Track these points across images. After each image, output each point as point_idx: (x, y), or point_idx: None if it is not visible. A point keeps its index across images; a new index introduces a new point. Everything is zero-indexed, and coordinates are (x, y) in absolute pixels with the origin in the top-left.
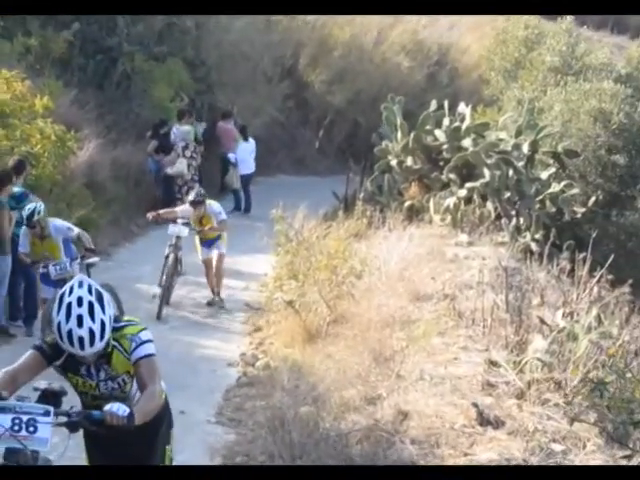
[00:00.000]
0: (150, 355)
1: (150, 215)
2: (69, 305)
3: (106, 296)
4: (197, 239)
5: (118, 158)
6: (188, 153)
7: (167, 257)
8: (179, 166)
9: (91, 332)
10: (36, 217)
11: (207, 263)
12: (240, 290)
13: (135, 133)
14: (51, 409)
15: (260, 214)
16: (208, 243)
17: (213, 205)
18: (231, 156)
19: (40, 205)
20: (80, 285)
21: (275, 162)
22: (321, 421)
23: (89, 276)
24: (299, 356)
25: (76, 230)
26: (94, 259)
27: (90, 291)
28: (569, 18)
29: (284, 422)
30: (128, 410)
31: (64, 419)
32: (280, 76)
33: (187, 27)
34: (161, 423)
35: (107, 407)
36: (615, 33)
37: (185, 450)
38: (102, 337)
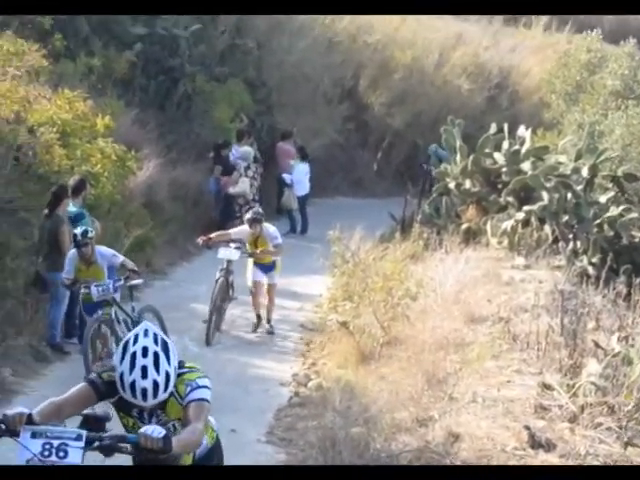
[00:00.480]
0: (202, 400)
1: (200, 240)
2: (133, 355)
3: (171, 346)
4: (250, 261)
5: (177, 178)
6: (250, 173)
7: (217, 281)
8: (242, 185)
9: (155, 384)
10: (90, 235)
11: (257, 286)
12: (295, 310)
13: (195, 153)
14: (84, 433)
15: (317, 235)
16: (262, 267)
17: (270, 228)
18: (286, 177)
19: (96, 225)
20: (146, 334)
21: (333, 184)
22: (372, 442)
23: (132, 298)
24: (352, 377)
25: (121, 257)
26: (137, 281)
27: (156, 341)
28: (632, 41)
29: (335, 442)
30: (164, 432)
31: (97, 443)
32: (340, 97)
33: (249, 48)
34: (210, 461)
35: (142, 429)
36: None
37: None
38: (166, 389)
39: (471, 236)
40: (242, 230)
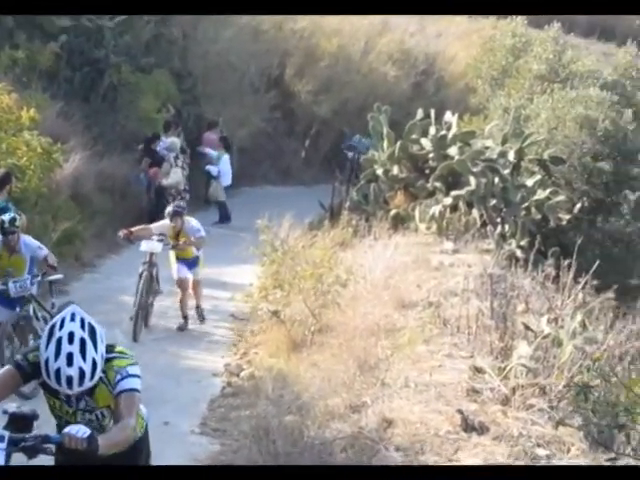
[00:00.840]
0: (133, 390)
1: (122, 233)
2: (59, 341)
3: (99, 331)
4: (172, 254)
5: (104, 170)
6: (179, 163)
7: (140, 275)
8: (174, 176)
9: (81, 372)
10: (17, 223)
11: (182, 285)
12: (225, 301)
13: (121, 145)
14: (6, 434)
15: (246, 225)
16: (185, 263)
17: (191, 221)
18: (212, 168)
19: (22, 218)
20: (72, 318)
21: (261, 172)
22: (306, 430)
23: (52, 293)
24: (284, 365)
25: (45, 250)
26: (57, 276)
27: (82, 325)
28: (556, 26)
29: (268, 431)
30: (88, 432)
31: (22, 444)
32: (266, 86)
33: (174, 38)
34: (139, 455)
35: (66, 429)
36: (602, 40)
37: (170, 461)
38: (92, 377)
39: (400, 222)
40: (163, 224)
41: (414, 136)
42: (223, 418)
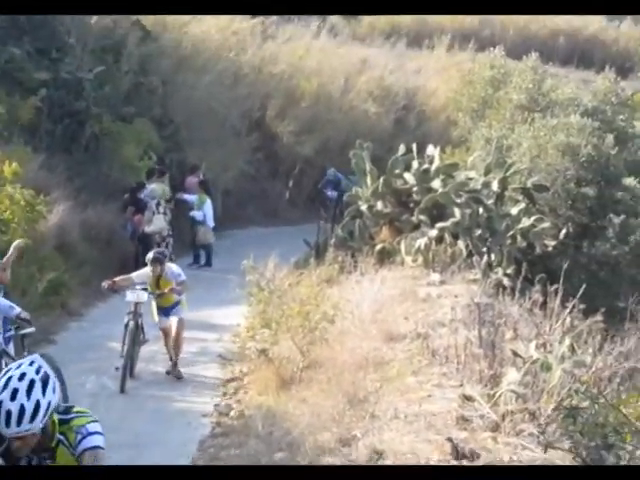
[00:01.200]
0: (97, 447)
1: (105, 284)
2: (10, 378)
3: (53, 383)
4: (154, 305)
5: (88, 220)
6: (161, 210)
7: (126, 326)
8: (157, 223)
9: (21, 409)
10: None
11: (166, 331)
12: (213, 342)
13: (105, 194)
14: None
15: (232, 267)
16: (166, 310)
17: (172, 267)
18: (196, 214)
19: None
20: (30, 364)
21: (246, 215)
22: None
23: (24, 347)
24: (273, 403)
25: (17, 309)
26: (29, 330)
27: (38, 371)
28: (534, 55)
29: None
30: None
31: None
32: (248, 129)
33: (154, 86)
34: None
35: None
36: (581, 68)
37: None
38: (32, 419)
39: (386, 256)
40: (144, 272)
41: (397, 171)
42: (213, 458)
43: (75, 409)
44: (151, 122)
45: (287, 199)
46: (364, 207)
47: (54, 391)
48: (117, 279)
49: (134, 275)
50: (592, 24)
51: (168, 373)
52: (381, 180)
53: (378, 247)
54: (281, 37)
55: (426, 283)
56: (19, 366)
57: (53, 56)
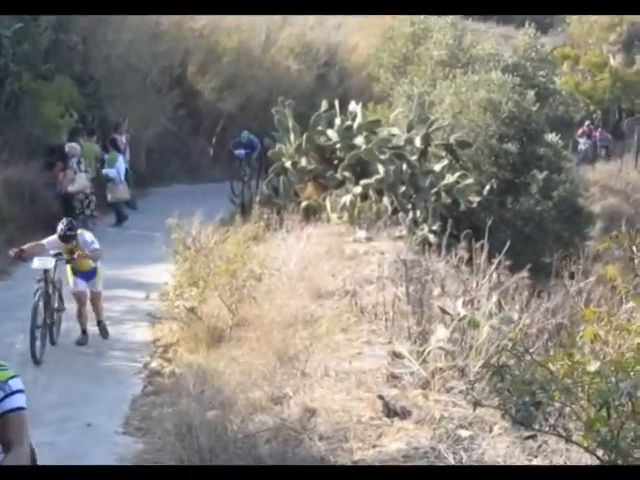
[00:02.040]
0: (20, 408)
1: (12, 252)
2: None
3: None
4: (69, 268)
5: (11, 177)
6: (83, 167)
7: (35, 293)
8: (80, 182)
9: None
10: None
11: (80, 298)
12: (141, 300)
13: (27, 152)
14: None
15: (157, 224)
16: (83, 276)
17: (85, 234)
18: (109, 171)
19: None
20: None
21: (169, 172)
22: (229, 424)
23: None
24: (204, 361)
25: None
26: None
27: None
28: None
29: (192, 428)
30: None
31: None
32: (169, 85)
33: (73, 43)
34: None
35: None
36: (500, 24)
37: (95, 462)
38: None
39: (311, 213)
40: (55, 239)
41: (320, 128)
42: (146, 417)
43: None
44: (71, 79)
45: (211, 156)
46: (288, 164)
47: None
48: (26, 247)
49: (45, 242)
50: None
51: (79, 343)
52: (304, 137)
53: (303, 204)
54: None
55: (352, 240)
56: None
57: None
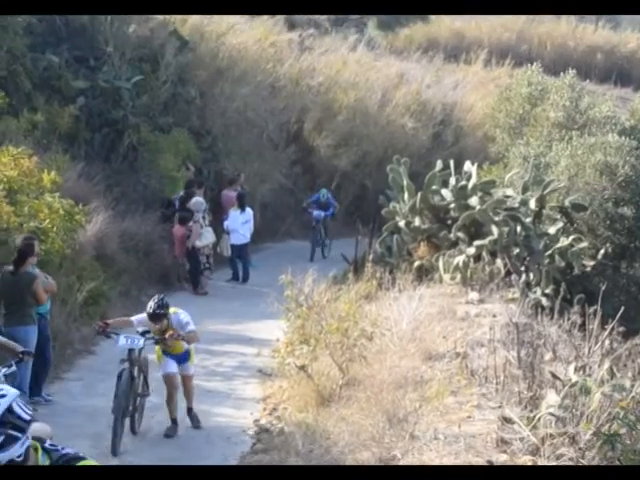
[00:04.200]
0: None
1: (96, 325)
2: None
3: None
4: (158, 349)
5: (127, 229)
6: (207, 222)
7: (119, 376)
8: (208, 235)
9: None
10: None
11: (169, 382)
12: (252, 356)
13: (143, 204)
14: None
15: (269, 280)
16: (174, 357)
17: (180, 314)
18: (225, 224)
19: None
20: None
21: (284, 227)
22: None
23: None
24: (313, 420)
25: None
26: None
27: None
28: (572, 72)
29: None
30: None
31: None
32: (286, 142)
33: (191, 97)
34: None
35: None
36: (618, 86)
37: None
38: None
39: (424, 273)
40: (145, 318)
41: (434, 187)
42: None
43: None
44: (188, 133)
45: None
46: (402, 223)
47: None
48: (111, 321)
49: (134, 319)
50: (630, 41)
51: (167, 436)
52: (418, 196)
53: (416, 264)
54: (318, 49)
55: (464, 301)
56: None
57: (91, 64)
